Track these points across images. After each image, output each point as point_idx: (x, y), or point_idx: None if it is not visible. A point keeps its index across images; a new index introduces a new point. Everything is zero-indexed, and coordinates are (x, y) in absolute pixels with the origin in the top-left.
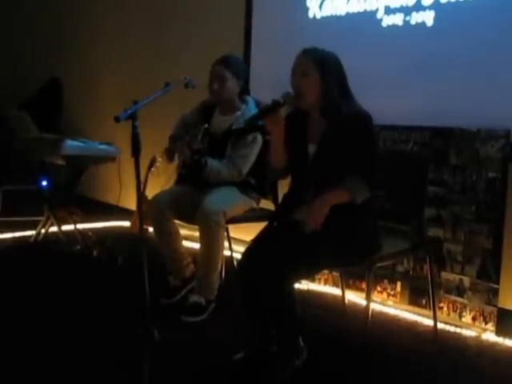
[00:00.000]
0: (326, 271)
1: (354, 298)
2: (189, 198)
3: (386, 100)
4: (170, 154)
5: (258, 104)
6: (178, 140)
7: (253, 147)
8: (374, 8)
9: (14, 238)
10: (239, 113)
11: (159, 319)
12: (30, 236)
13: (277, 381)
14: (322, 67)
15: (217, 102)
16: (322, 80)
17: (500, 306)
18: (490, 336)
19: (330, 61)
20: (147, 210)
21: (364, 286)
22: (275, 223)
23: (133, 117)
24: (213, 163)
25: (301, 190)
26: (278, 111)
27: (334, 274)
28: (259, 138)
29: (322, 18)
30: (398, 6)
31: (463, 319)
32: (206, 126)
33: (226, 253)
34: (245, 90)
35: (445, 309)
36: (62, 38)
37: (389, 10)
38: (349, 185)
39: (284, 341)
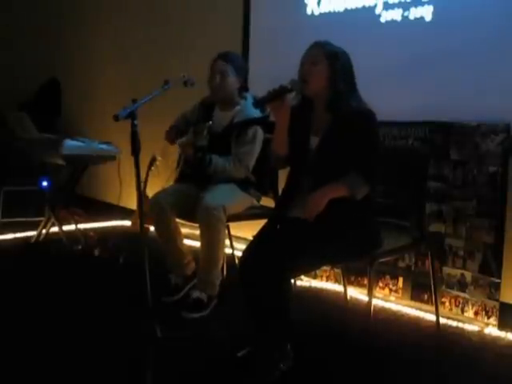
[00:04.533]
0: (327, 267)
1: (356, 294)
2: (189, 196)
3: (385, 96)
4: (170, 136)
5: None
6: (179, 131)
7: (255, 142)
8: (372, 4)
9: (15, 238)
10: (238, 107)
11: (161, 317)
12: (31, 236)
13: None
14: (331, 58)
15: (216, 98)
16: (329, 70)
17: (502, 300)
18: (492, 330)
19: (341, 55)
20: (148, 208)
21: (366, 282)
22: (278, 225)
23: (132, 115)
24: (218, 161)
25: (299, 182)
26: (284, 97)
27: (336, 270)
28: (260, 131)
29: (321, 14)
30: (396, 1)
31: (465, 314)
32: (211, 123)
33: (227, 250)
34: (244, 87)
35: (447, 304)
36: (61, 38)
37: (387, 6)
38: (349, 180)
39: (273, 341)
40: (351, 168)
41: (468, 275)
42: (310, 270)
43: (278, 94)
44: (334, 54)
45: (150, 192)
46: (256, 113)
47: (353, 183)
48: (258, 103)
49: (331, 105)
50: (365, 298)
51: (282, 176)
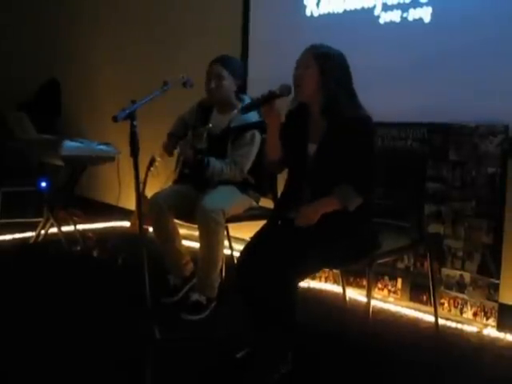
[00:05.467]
0: (326, 269)
1: (355, 295)
2: (188, 198)
3: (384, 97)
4: (168, 148)
5: None
6: (176, 137)
7: (252, 145)
8: (371, 5)
9: (13, 239)
10: (236, 111)
11: (160, 318)
12: (29, 237)
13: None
14: (321, 61)
15: (213, 101)
16: (320, 74)
17: (501, 301)
18: (491, 331)
19: (333, 57)
20: (147, 209)
21: (365, 283)
22: (279, 222)
23: (131, 116)
24: (215, 163)
25: (299, 188)
26: (273, 102)
27: (335, 271)
28: (257, 135)
29: (320, 15)
30: (395, 2)
31: (464, 315)
32: (211, 125)
33: (226, 251)
34: (241, 90)
35: (446, 305)
36: (60, 39)
37: (386, 7)
38: (340, 193)
39: (275, 343)
40: (346, 176)
41: (467, 276)
42: (310, 274)
43: (265, 100)
44: (323, 55)
45: (149, 193)
46: (253, 116)
47: (344, 196)
48: (245, 109)
49: (325, 110)
50: (364, 299)
51: (281, 177)
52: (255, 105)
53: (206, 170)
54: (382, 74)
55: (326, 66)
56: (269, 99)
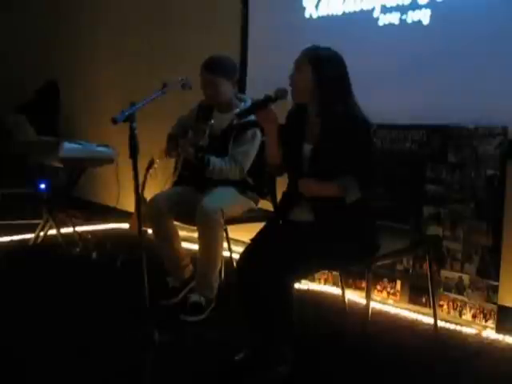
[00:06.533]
0: (325, 270)
1: (354, 297)
2: (187, 199)
3: (383, 99)
4: (169, 150)
5: None
6: (176, 139)
7: (253, 143)
8: (370, 7)
9: (12, 241)
10: (237, 110)
11: (159, 320)
12: (28, 239)
13: None
14: (314, 63)
15: (213, 104)
16: (313, 76)
17: (500, 303)
18: (490, 333)
19: (328, 59)
20: (146, 211)
21: (364, 285)
22: (280, 221)
23: (130, 118)
24: (215, 161)
25: (296, 189)
26: (268, 106)
27: (334, 273)
28: (259, 133)
29: (319, 17)
30: (394, 4)
31: (463, 317)
32: (212, 121)
33: (225, 253)
34: (239, 85)
35: (445, 307)
36: (60, 40)
37: (385, 9)
38: (340, 182)
39: (272, 345)
40: (344, 174)
41: (466, 278)
42: (308, 274)
43: (261, 105)
44: (317, 57)
45: (148, 195)
46: (254, 116)
47: (343, 185)
48: (240, 115)
49: (320, 111)
50: (363, 301)
51: (280, 179)
52: (250, 110)
53: (206, 168)
54: (381, 76)
55: (320, 68)
56: (264, 104)
